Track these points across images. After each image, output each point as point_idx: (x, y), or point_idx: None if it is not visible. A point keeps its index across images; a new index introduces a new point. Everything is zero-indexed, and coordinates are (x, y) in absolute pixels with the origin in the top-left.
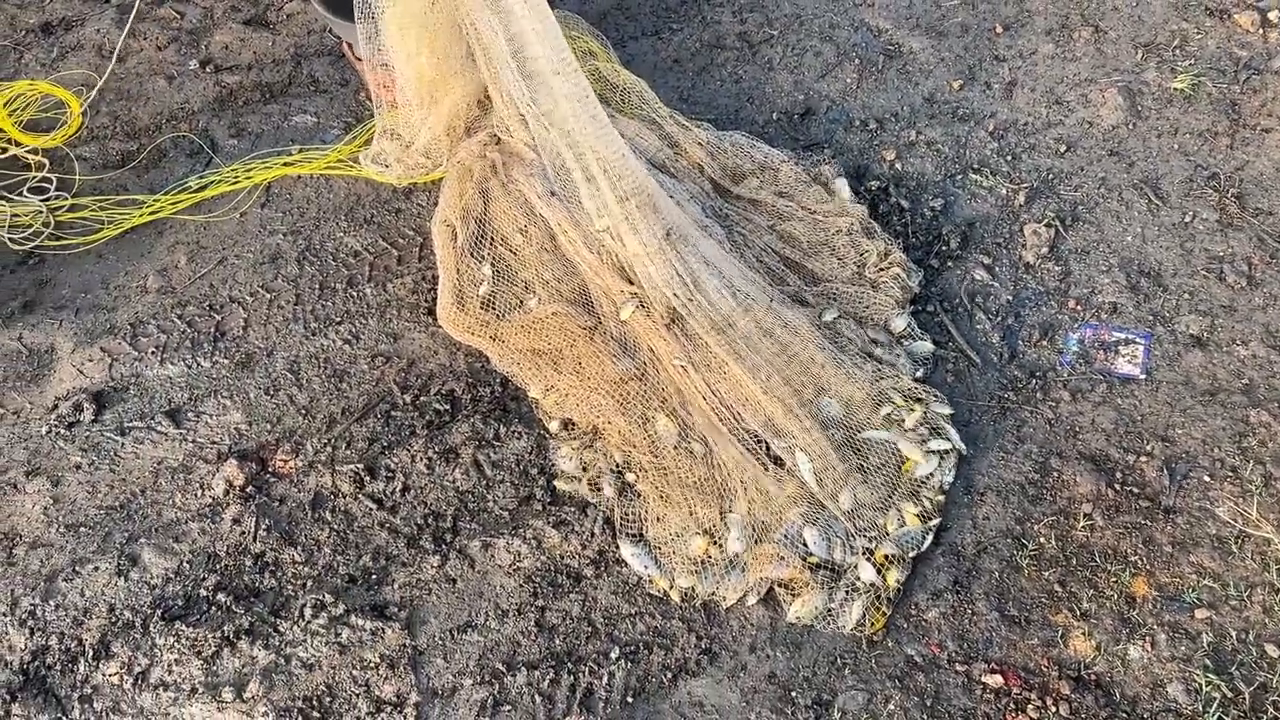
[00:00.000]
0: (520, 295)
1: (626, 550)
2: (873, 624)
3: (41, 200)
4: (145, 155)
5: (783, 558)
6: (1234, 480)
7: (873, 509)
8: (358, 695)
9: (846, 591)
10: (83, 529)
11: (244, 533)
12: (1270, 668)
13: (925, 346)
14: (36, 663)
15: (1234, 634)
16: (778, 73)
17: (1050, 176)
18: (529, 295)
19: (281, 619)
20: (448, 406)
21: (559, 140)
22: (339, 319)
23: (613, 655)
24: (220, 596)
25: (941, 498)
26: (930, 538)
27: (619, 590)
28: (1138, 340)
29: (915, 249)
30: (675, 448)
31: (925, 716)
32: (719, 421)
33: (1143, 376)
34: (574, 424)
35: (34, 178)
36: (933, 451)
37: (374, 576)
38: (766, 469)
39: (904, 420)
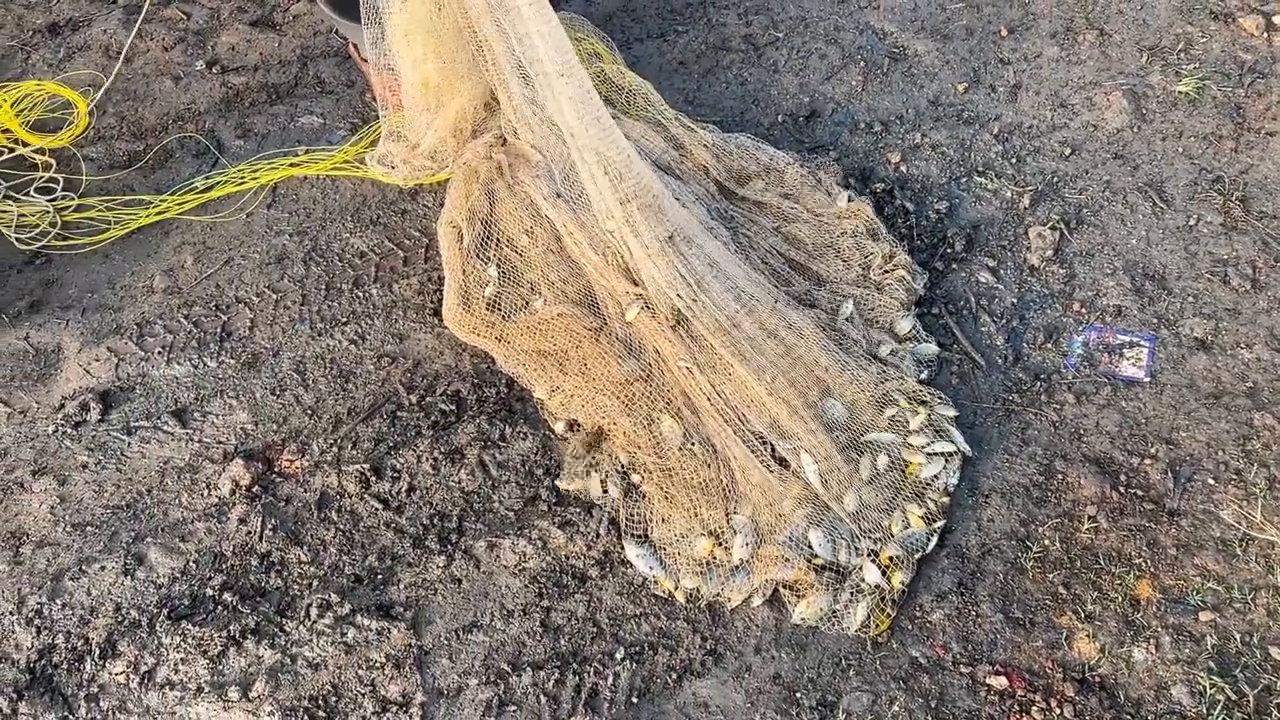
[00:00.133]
0: (526, 296)
1: (631, 551)
2: (877, 625)
3: (48, 200)
4: (152, 156)
5: (788, 559)
6: (1238, 483)
7: (878, 511)
8: (363, 695)
9: (851, 593)
10: (89, 528)
11: (250, 532)
12: (1274, 670)
13: (930, 349)
14: (43, 661)
15: (1238, 636)
16: (783, 75)
17: (1055, 179)
18: (534, 296)
19: (287, 619)
20: (453, 407)
21: (563, 142)
22: (345, 319)
23: (618, 656)
24: (226, 596)
25: (946, 500)
26: (935, 539)
27: (624, 591)
28: (1142, 343)
29: (920, 251)
30: (680, 449)
31: (929, 718)
32: (724, 423)
33: (1147, 379)
34: (579, 425)
35: (41, 178)
36: (937, 454)
37: (380, 576)
38: (771, 470)
39: (909, 422)
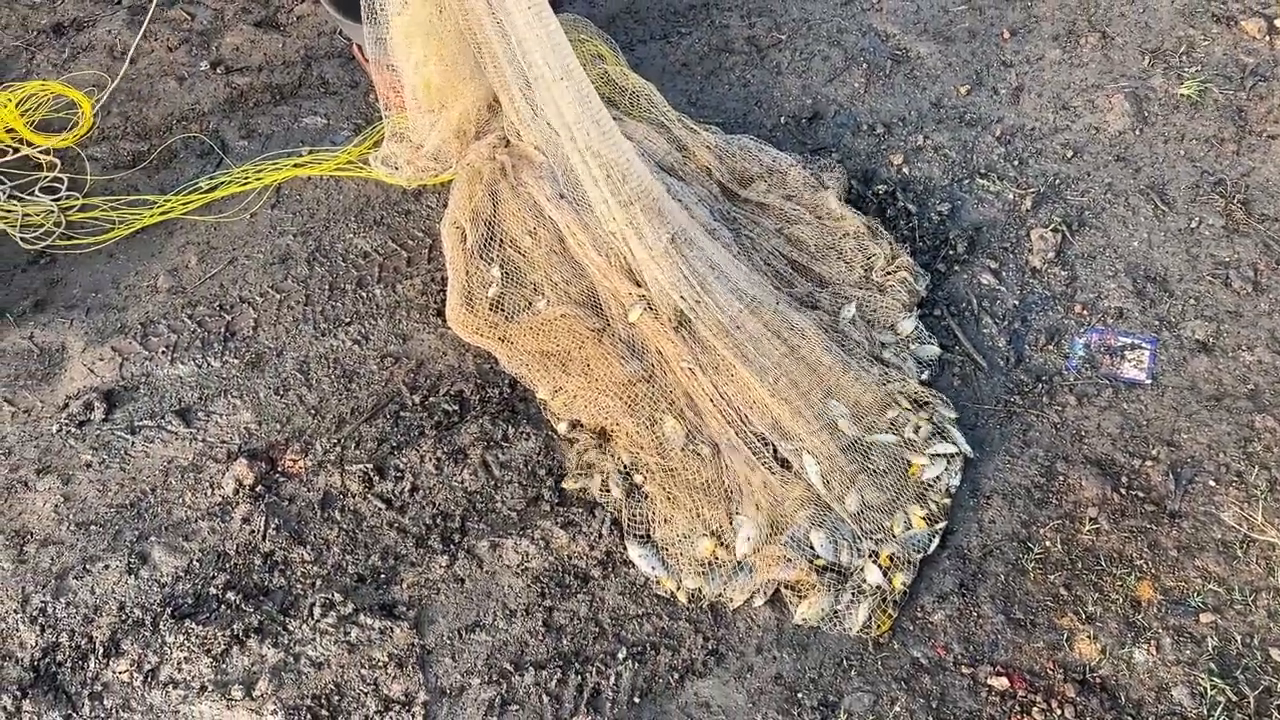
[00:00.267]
0: (529, 297)
1: (634, 551)
2: (879, 626)
3: (53, 200)
4: (156, 156)
5: (789, 560)
6: (1239, 485)
7: (879, 512)
8: (366, 694)
9: (853, 594)
10: (93, 527)
11: (253, 532)
12: (1275, 672)
13: (932, 350)
14: (47, 660)
15: (1239, 638)
16: (786, 77)
17: (1057, 182)
18: (538, 297)
19: (290, 618)
20: (456, 407)
21: (565, 145)
22: (348, 320)
23: (620, 656)
24: (230, 595)
25: (948, 501)
26: (936, 540)
27: (626, 591)
28: (1143, 345)
29: (922, 253)
30: (683, 449)
31: (931, 718)
32: (726, 424)
33: (1148, 381)
34: (582, 425)
35: (45, 177)
36: (939, 455)
37: (383, 576)
38: (773, 471)
39: (911, 423)
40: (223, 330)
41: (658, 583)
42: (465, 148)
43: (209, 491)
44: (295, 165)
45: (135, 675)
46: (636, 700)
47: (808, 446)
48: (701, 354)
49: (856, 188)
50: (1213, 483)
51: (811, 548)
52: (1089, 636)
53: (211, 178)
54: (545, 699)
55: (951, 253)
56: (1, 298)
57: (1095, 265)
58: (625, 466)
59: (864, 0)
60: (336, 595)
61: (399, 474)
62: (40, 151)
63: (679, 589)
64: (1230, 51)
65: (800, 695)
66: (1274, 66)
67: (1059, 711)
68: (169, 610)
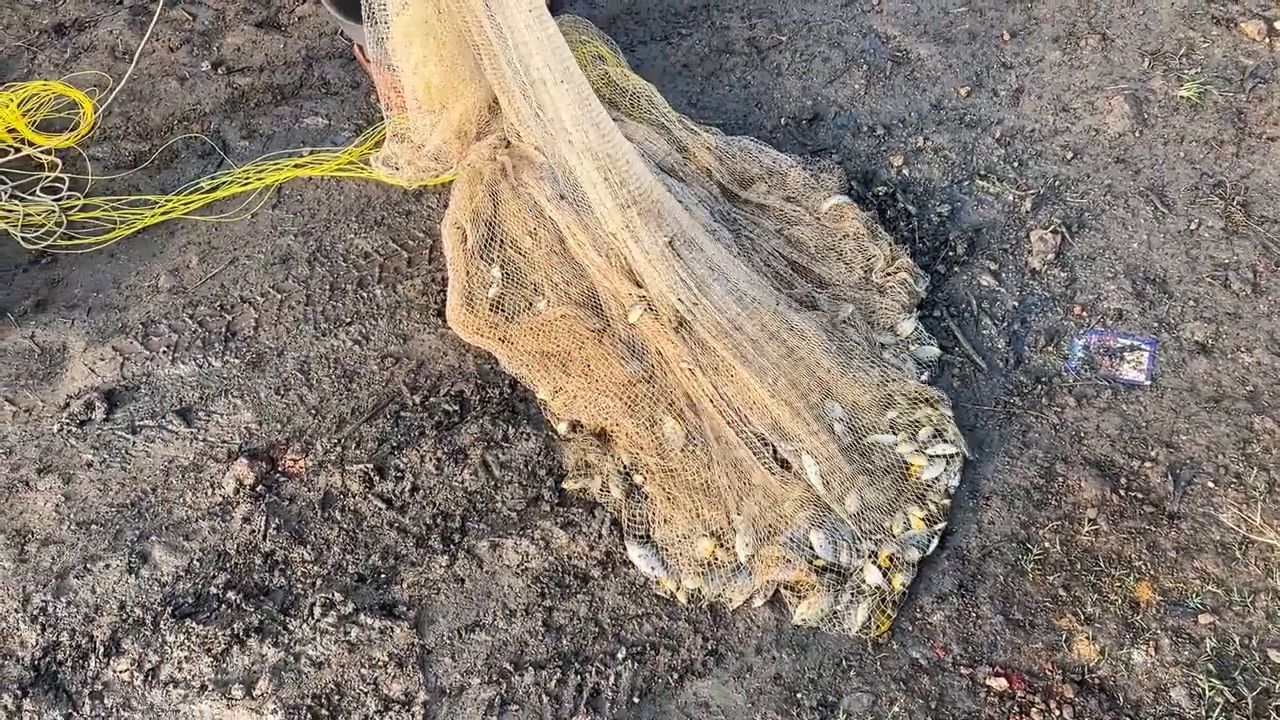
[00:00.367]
0: (529, 297)
1: (634, 551)
2: (878, 626)
3: (54, 200)
4: (157, 156)
5: (789, 560)
6: (1238, 486)
7: (879, 512)
8: (366, 693)
9: (852, 594)
10: (94, 526)
11: (254, 531)
12: (1273, 673)
13: (931, 351)
14: (48, 659)
15: (1237, 639)
16: (786, 78)
17: (1057, 183)
18: (538, 297)
19: (291, 617)
20: (457, 407)
21: (564, 147)
22: (349, 320)
23: (619, 656)
24: (230, 594)
25: (947, 502)
26: (935, 541)
27: (626, 591)
28: (1143, 347)
29: (922, 254)
30: (683, 450)
31: (929, 719)
32: (726, 424)
33: (1148, 383)
34: (582, 425)
35: (47, 177)
36: (938, 456)
37: (383, 576)
38: (773, 472)
39: (910, 424)
40: (224, 330)
41: (657, 583)
42: (466, 148)
43: (209, 491)
44: (296, 165)
45: (136, 674)
46: (636, 700)
47: (807, 447)
48: (701, 355)
49: (856, 189)
50: (1211, 484)
51: (811, 548)
52: (1088, 637)
53: (213, 178)
54: (545, 699)
55: (951, 254)
56: (3, 297)
57: (1095, 267)
58: (625, 467)
59: (864, 2)
60: (337, 595)
61: (399, 474)
62: (42, 151)
63: (679, 589)
64: (1230, 54)
65: (799, 695)
66: (1273, 69)
67: (1057, 712)
68: (169, 609)
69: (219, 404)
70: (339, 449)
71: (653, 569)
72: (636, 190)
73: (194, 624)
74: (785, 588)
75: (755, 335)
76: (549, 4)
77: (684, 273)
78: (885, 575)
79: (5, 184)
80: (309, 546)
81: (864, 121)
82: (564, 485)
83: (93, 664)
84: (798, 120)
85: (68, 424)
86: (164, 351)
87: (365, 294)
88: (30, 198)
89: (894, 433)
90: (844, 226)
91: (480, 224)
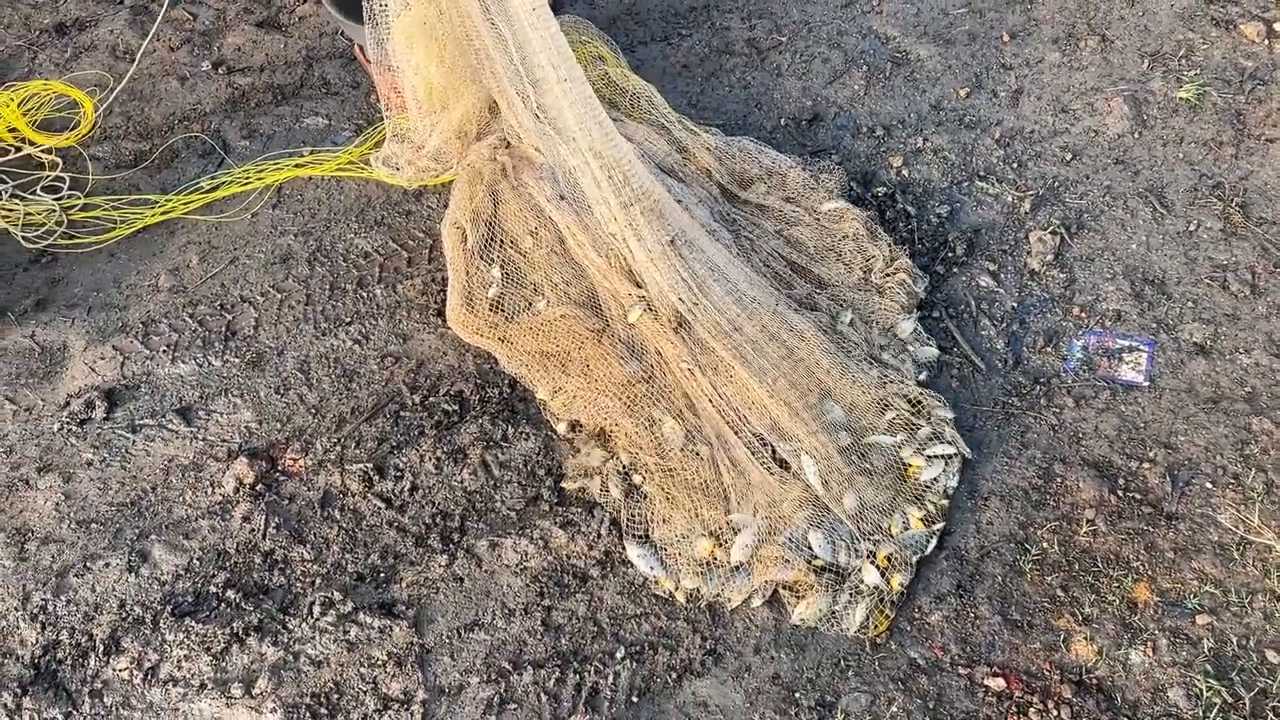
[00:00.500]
0: (529, 297)
1: (633, 551)
2: (876, 626)
3: (54, 199)
4: (157, 155)
5: (787, 560)
6: (1236, 487)
7: (877, 512)
8: (365, 692)
9: (850, 594)
10: (94, 525)
11: (254, 530)
12: (1270, 673)
13: (930, 352)
14: (47, 657)
15: (1235, 640)
16: (786, 79)
17: (1056, 184)
18: (538, 297)
19: (290, 616)
20: (456, 407)
21: (566, 146)
22: (349, 319)
23: (618, 655)
24: (230, 593)
25: (945, 502)
26: (934, 541)
27: (625, 591)
28: (1141, 347)
29: (921, 255)
30: (682, 450)
31: (928, 719)
32: (725, 424)
33: (1146, 384)
34: (581, 425)
35: (47, 176)
36: (937, 456)
37: (382, 575)
38: (772, 472)
39: (909, 425)
40: (224, 329)
41: (656, 583)
42: (466, 148)
43: (209, 490)
44: (296, 165)
45: (135, 673)
46: (634, 700)
47: (806, 447)
48: (701, 355)
49: (856, 190)
50: (1209, 485)
51: (809, 548)
52: (1086, 638)
53: (213, 177)
54: (543, 698)
55: (950, 255)
56: (3, 296)
57: (1093, 268)
58: (624, 467)
59: (864, 3)
60: (336, 594)
61: (399, 473)
62: (42, 151)
63: (677, 589)
64: (1229, 55)
65: (798, 695)
66: (1272, 70)
67: (1055, 712)
68: (169, 608)
69: (219, 403)
70: (339, 448)
71: (651, 569)
72: (639, 189)
73: (193, 623)
74: (784, 587)
75: (755, 336)
76: (550, 4)
77: (685, 272)
78: (883, 575)
79: (6, 183)
80: (308, 545)
81: (863, 122)
82: (563, 485)
83: (92, 662)
84: (797, 121)
85: (68, 423)
86: (164, 351)
87: (365, 294)
88: (31, 197)
89: (892, 433)
90: (843, 227)
91: (480, 224)
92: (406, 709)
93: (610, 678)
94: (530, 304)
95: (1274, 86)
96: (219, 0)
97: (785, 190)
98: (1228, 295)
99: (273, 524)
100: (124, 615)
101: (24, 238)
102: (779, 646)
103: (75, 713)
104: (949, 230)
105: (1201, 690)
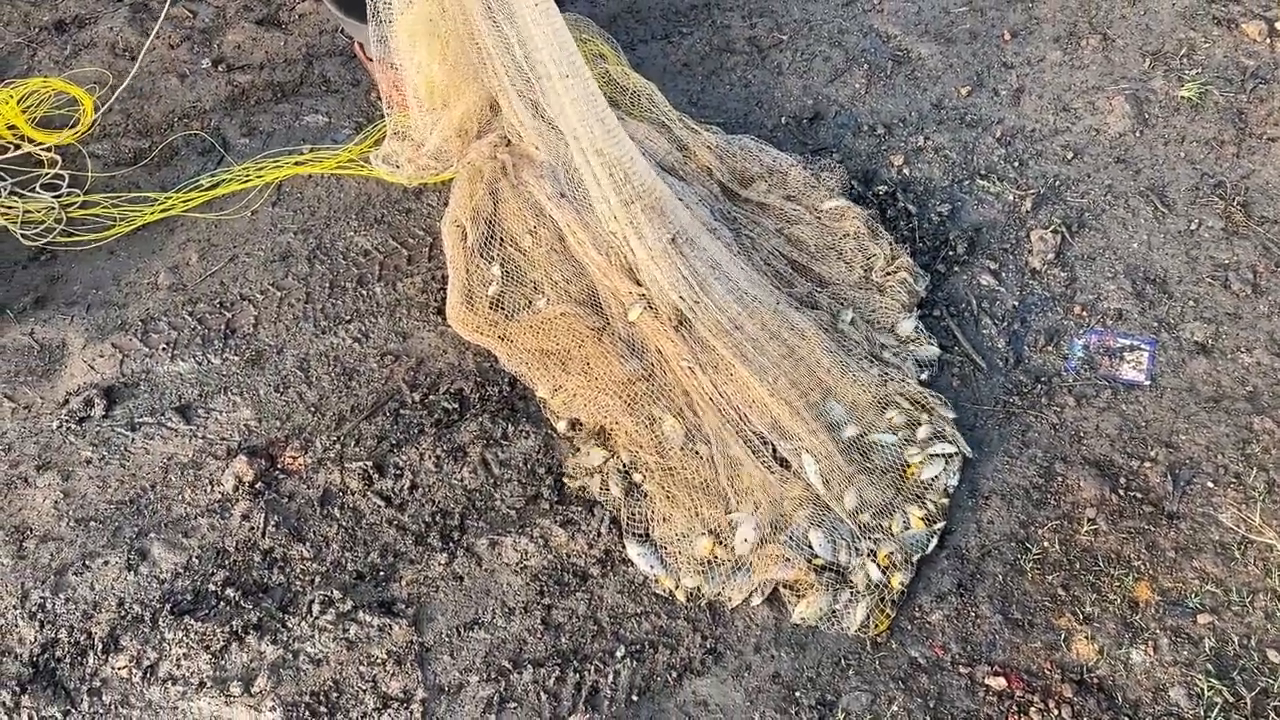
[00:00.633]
0: (529, 295)
1: (633, 550)
2: (877, 625)
3: (54, 196)
4: (157, 153)
5: (788, 559)
6: (1237, 486)
7: (878, 511)
8: (365, 691)
9: (851, 593)
10: (93, 523)
11: (253, 528)
12: (1272, 673)
13: (931, 351)
14: (46, 655)
15: (1236, 639)
16: (787, 77)
17: (1057, 183)
18: (538, 295)
19: (289, 614)
20: (456, 405)
21: (568, 143)
22: (349, 317)
23: (618, 654)
24: (229, 591)
25: (946, 501)
26: (935, 540)
27: (625, 589)
28: (1142, 346)
29: (922, 254)
30: (682, 448)
31: (928, 718)
32: (725, 423)
33: (1147, 383)
34: (581, 424)
35: (46, 174)
36: (938, 455)
37: (382, 573)
38: (772, 471)
39: (909, 423)
40: (223, 327)
41: (656, 581)
42: (466, 146)
43: (209, 488)
44: (296, 163)
45: (134, 671)
46: (634, 698)
47: (806, 446)
48: (701, 353)
49: (857, 188)
50: (1211, 484)
51: (810, 547)
52: (1087, 637)
53: (212, 175)
54: (543, 697)
55: (951, 253)
56: (2, 294)
57: (1095, 267)
58: (624, 465)
59: (865, 1)
60: (335, 592)
61: (398, 472)
62: (42, 148)
63: (677, 588)
64: (1231, 54)
65: (798, 694)
66: (1274, 69)
67: (1056, 711)
68: (168, 607)
69: (218, 401)
70: (338, 446)
71: (651, 567)
72: (640, 186)
73: (193, 621)
74: (784, 586)
75: (756, 334)
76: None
77: (686, 270)
78: (884, 574)
79: (5, 180)
80: (308, 544)
81: (864, 121)
82: (563, 483)
83: (91, 661)
84: (798, 119)
85: (67, 421)
86: (163, 348)
87: (365, 292)
88: (30, 194)
89: (893, 432)
90: (844, 226)
91: (480, 222)
92: (406, 708)
93: (610, 676)
94: (530, 302)
95: (1276, 85)
96: None
97: (786, 188)
98: (1229, 294)
99: (272, 522)
100: (123, 613)
101: (23, 235)
102: (779, 645)
103: (74, 711)
104: (950, 229)
105: (1203, 689)
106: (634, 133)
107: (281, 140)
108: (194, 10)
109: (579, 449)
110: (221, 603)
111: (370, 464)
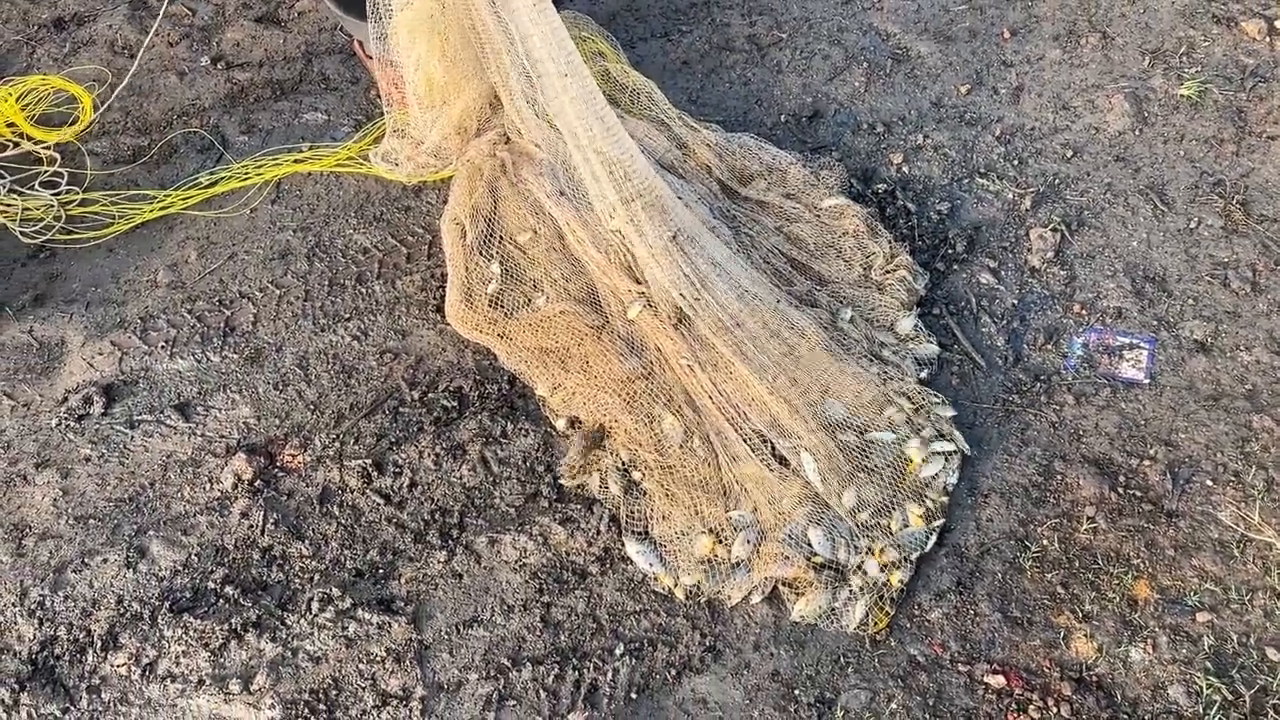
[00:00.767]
0: (528, 293)
1: (632, 548)
2: (876, 623)
3: (53, 194)
4: (156, 151)
5: (787, 557)
6: (1236, 485)
7: (877, 509)
8: (364, 688)
9: (850, 591)
10: (92, 521)
11: (252, 526)
12: (1271, 671)
13: (930, 349)
14: (45, 653)
15: (1235, 637)
16: (786, 75)
17: (1056, 181)
18: (537, 293)
19: (289, 612)
20: (455, 403)
21: (567, 141)
22: (348, 315)
23: (617, 652)
24: (228, 589)
25: (945, 499)
26: (934, 538)
27: (624, 587)
28: (1142, 345)
29: (921, 252)
30: (681, 446)
31: (927, 716)
32: (725, 421)
33: (1147, 381)
34: (580, 422)
35: (45, 172)
36: (937, 453)
37: (381, 571)
38: (771, 469)
39: (909, 422)
40: (222, 325)
41: (655, 579)
42: (466, 144)
43: (207, 486)
44: (295, 161)
45: (133, 669)
46: (633, 696)
47: (806, 444)
48: (700, 351)
49: (856, 186)
50: (1210, 482)
51: (809, 545)
52: (1086, 635)
53: (211, 173)
54: (542, 694)
55: (951, 252)
56: (1, 292)
57: (1094, 265)
58: (624, 463)
59: None
60: (334, 590)
61: (397, 469)
62: (41, 146)
63: (677, 586)
64: (1230, 52)
65: (797, 692)
66: (1274, 67)
67: (1055, 709)
68: (167, 604)
69: (217, 399)
70: (337, 444)
71: (651, 565)
72: (641, 184)
73: (191, 619)
74: (783, 584)
75: (756, 332)
76: None
77: (687, 268)
78: (883, 572)
79: (4, 178)
80: (307, 541)
81: (864, 119)
82: (562, 481)
83: (90, 658)
84: (798, 117)
85: (66, 418)
86: (162, 346)
87: (364, 289)
88: (29, 192)
89: (892, 430)
90: (843, 224)
91: (479, 220)
92: (405, 705)
93: (609, 674)
94: (530, 300)
95: (1275, 84)
96: None
97: (785, 187)
98: (1229, 292)
99: (271, 520)
100: (122, 611)
101: (22, 233)
102: (778, 643)
103: (73, 708)
104: (949, 227)
105: (1201, 687)
106: (633, 131)
107: (281, 138)
108: (193, 8)
109: (578, 447)
110: (220, 600)
111: (369, 462)
